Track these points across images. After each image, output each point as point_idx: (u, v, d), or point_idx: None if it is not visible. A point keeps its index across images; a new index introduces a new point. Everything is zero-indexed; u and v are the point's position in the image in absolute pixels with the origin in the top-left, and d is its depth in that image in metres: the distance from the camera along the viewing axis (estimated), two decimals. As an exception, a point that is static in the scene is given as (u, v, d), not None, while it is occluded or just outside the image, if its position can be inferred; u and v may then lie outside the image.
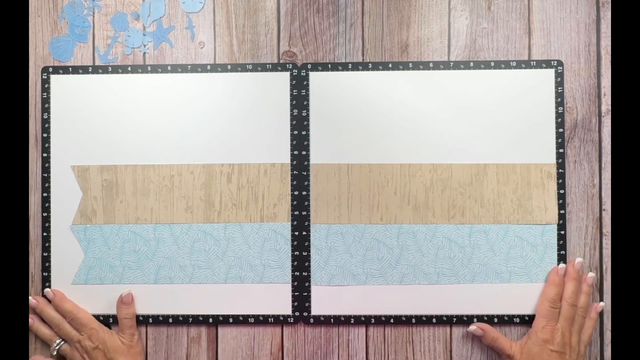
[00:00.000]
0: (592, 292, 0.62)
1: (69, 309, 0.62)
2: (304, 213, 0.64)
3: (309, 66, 0.64)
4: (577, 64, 0.64)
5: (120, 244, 0.64)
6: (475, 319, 0.63)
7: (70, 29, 0.65)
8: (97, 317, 0.63)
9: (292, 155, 0.64)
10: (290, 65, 0.64)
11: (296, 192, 0.64)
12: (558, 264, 0.63)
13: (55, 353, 0.62)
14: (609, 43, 0.64)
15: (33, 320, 0.63)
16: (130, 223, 0.64)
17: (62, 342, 0.62)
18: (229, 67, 0.64)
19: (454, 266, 0.63)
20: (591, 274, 0.62)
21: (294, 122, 0.64)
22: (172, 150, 0.64)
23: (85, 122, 0.64)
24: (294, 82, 0.64)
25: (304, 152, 0.64)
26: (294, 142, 0.64)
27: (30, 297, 0.63)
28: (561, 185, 0.63)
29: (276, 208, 0.64)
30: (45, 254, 0.64)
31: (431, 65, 0.64)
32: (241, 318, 0.63)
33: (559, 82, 0.63)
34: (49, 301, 0.63)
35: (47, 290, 0.63)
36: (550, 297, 0.60)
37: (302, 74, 0.64)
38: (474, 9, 0.65)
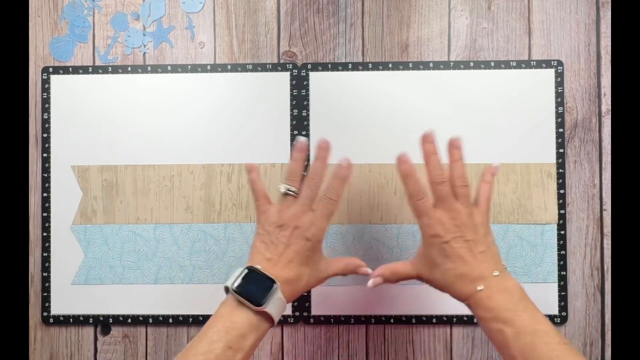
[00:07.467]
0: (462, 157, 0.51)
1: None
2: (304, 213, 0.63)
3: (309, 66, 0.64)
4: (577, 64, 0.64)
5: (120, 244, 0.64)
6: (475, 319, 0.63)
7: (70, 29, 0.65)
8: (96, 317, 0.63)
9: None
10: (290, 65, 0.64)
11: (296, 192, 0.64)
12: (559, 264, 0.63)
13: (283, 190, 0.51)
14: (609, 43, 0.64)
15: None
16: (130, 223, 0.64)
17: (295, 192, 0.51)
18: (229, 67, 0.64)
19: (454, 266, 0.63)
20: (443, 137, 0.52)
21: (294, 122, 0.64)
22: (172, 150, 0.64)
23: (85, 122, 0.64)
24: (294, 82, 0.64)
25: (304, 152, 0.64)
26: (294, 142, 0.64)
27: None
28: (561, 185, 0.63)
29: (276, 208, 0.64)
30: (45, 254, 0.64)
31: (431, 65, 0.64)
32: (241, 318, 0.63)
33: (559, 82, 0.63)
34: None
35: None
36: (410, 191, 0.50)
37: (302, 74, 0.64)
38: (474, 9, 0.65)
